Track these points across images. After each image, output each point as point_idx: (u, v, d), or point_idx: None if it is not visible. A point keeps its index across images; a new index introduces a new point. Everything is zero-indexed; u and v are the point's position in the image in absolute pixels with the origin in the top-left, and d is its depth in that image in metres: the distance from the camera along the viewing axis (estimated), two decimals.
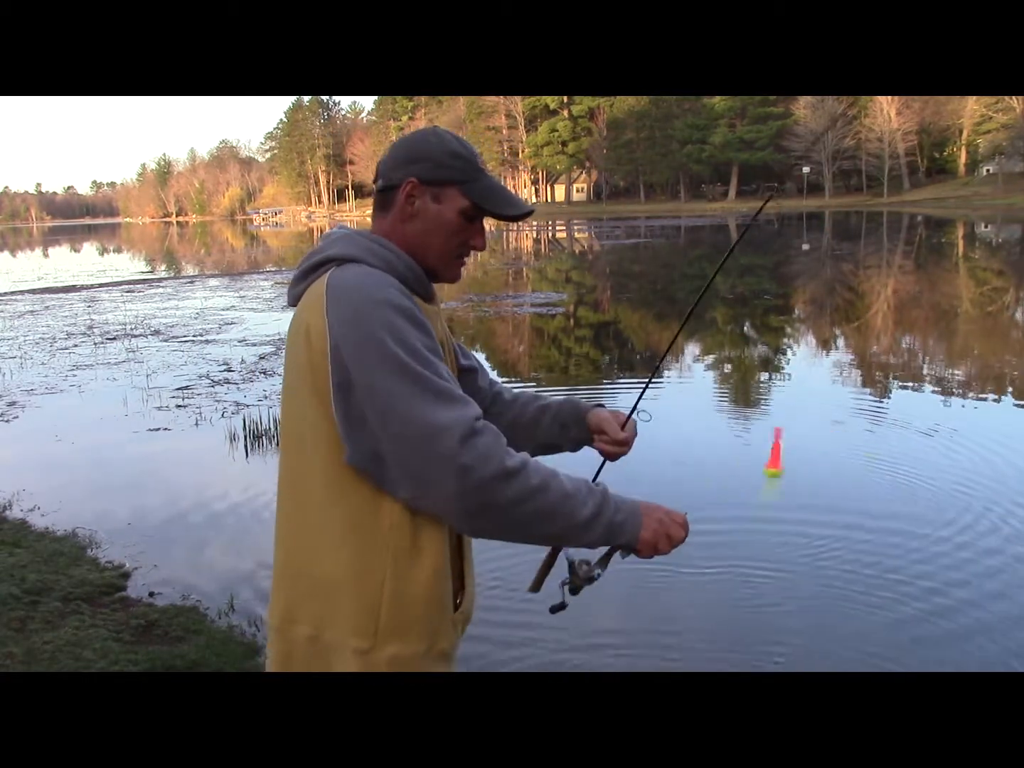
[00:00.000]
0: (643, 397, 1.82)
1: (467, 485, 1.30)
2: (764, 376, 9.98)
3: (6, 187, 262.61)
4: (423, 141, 1.56)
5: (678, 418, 7.58)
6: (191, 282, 24.62)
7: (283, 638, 1.50)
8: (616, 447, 1.74)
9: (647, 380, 2.03)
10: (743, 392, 9.27)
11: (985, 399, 8.18)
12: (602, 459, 1.78)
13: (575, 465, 1.64)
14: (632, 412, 1.79)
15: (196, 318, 15.36)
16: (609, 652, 3.84)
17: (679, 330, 2.19)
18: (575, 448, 1.82)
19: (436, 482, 1.32)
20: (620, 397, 8.87)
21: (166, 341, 12.69)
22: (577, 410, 1.79)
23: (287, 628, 1.49)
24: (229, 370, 10.39)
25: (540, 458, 1.48)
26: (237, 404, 8.51)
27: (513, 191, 1.61)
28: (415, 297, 1.50)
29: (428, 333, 1.41)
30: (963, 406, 7.89)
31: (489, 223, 1.64)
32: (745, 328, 13.79)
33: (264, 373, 10.08)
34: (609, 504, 1.41)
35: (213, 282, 24.04)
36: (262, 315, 15.55)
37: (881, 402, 8.27)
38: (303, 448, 1.47)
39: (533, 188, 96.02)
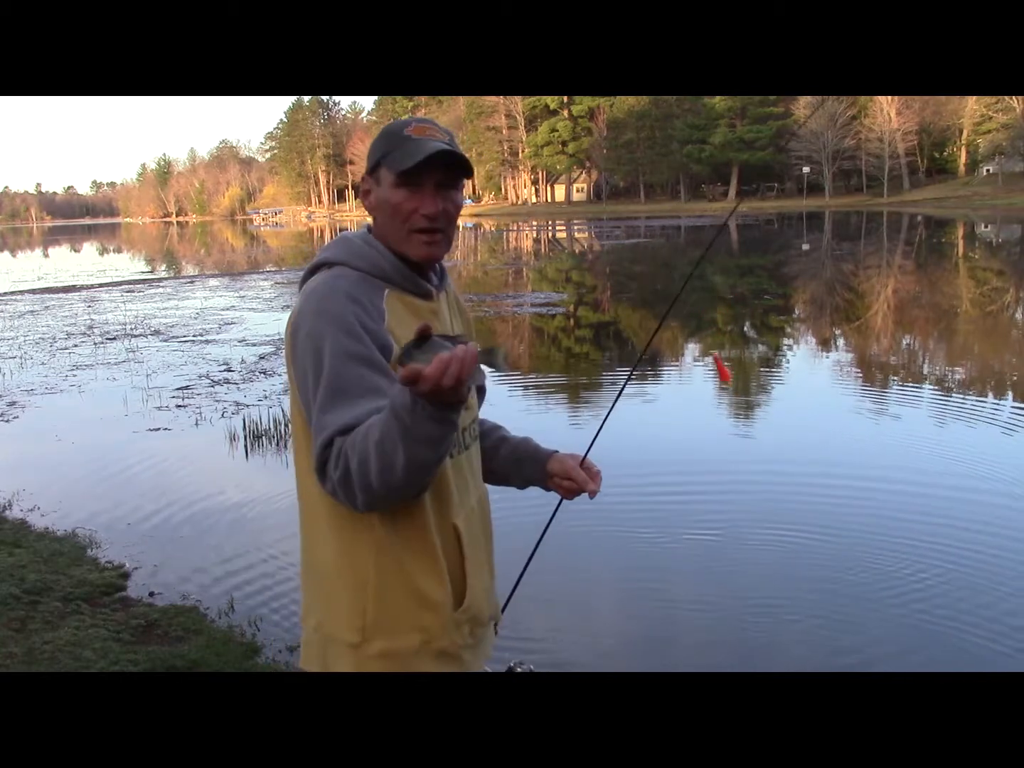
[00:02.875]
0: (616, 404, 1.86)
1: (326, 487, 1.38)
2: (764, 375, 9.98)
3: (6, 187, 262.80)
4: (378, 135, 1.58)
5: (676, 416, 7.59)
6: (191, 282, 24.62)
7: (304, 628, 1.57)
8: (578, 489, 1.75)
9: (619, 391, 2.05)
10: (742, 391, 9.27)
11: (984, 399, 8.18)
12: (559, 499, 1.81)
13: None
14: (588, 451, 1.80)
15: (196, 318, 15.35)
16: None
17: (653, 334, 2.20)
18: (523, 486, 1.84)
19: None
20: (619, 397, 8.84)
21: (166, 341, 12.69)
22: (537, 451, 1.81)
23: (305, 618, 1.56)
24: (229, 370, 10.39)
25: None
26: (237, 404, 8.51)
27: (434, 136, 1.50)
28: (404, 295, 1.52)
29: (360, 340, 1.40)
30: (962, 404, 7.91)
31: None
32: (745, 328, 13.79)
33: (264, 373, 10.08)
34: (399, 406, 1.28)
35: (213, 282, 24.04)
36: (262, 315, 15.55)
37: (879, 401, 8.28)
38: (296, 441, 1.53)
39: (533, 188, 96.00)
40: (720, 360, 2.01)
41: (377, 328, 1.43)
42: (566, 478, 1.75)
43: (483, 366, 1.63)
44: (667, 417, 7.82)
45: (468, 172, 1.54)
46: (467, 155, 1.54)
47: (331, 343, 1.39)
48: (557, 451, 1.80)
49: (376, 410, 1.34)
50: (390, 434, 1.27)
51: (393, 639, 1.47)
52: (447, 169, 1.51)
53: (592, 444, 1.80)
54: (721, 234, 2.30)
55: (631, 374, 2.04)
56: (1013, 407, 7.74)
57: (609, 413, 1.91)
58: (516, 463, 1.81)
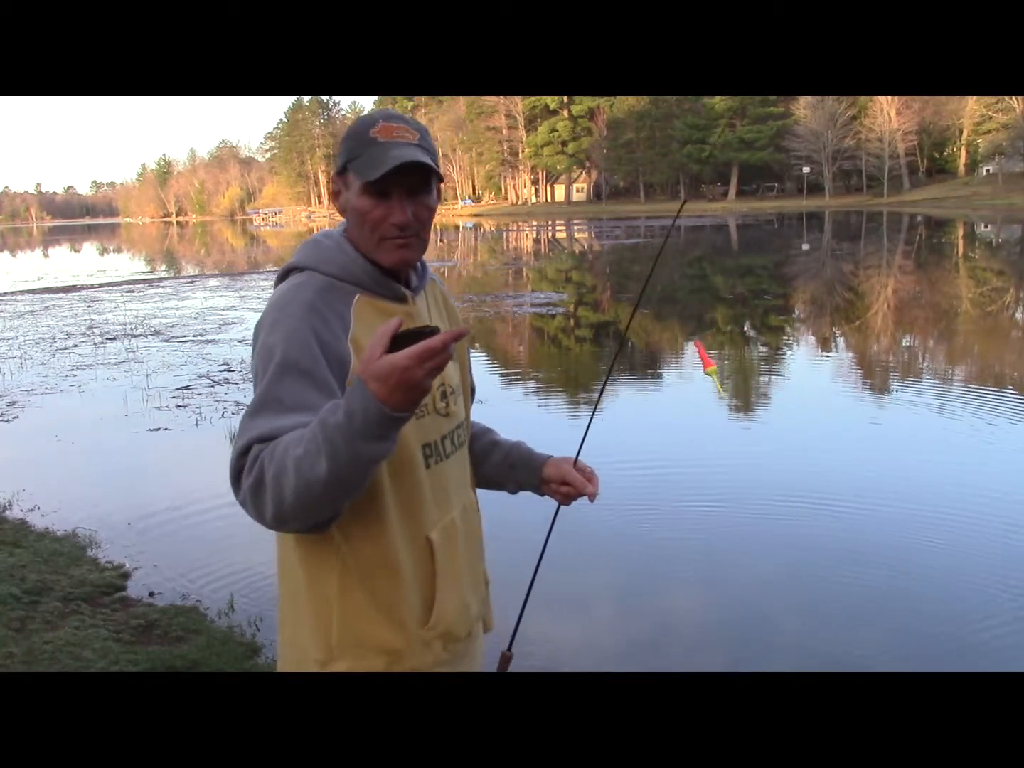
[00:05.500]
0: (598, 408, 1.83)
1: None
2: (763, 375, 9.98)
3: (6, 187, 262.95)
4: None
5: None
6: (191, 282, 24.61)
7: (279, 639, 1.54)
8: (577, 494, 1.70)
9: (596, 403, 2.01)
10: (742, 391, 9.27)
11: (983, 396, 8.19)
12: (557, 505, 1.74)
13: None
14: (579, 452, 1.74)
15: (196, 318, 15.34)
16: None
17: (630, 319, 2.20)
18: (515, 490, 1.79)
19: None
20: (619, 396, 8.87)
21: (166, 341, 12.69)
22: (530, 456, 1.76)
23: (280, 629, 1.53)
24: (229, 370, 10.38)
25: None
26: (237, 404, 8.51)
27: (403, 137, 1.44)
28: (377, 299, 1.46)
29: (308, 354, 1.35)
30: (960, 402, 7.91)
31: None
32: (745, 328, 13.79)
33: None
34: (331, 424, 1.22)
35: (213, 282, 24.03)
36: None
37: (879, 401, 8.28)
38: None
39: (533, 188, 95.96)
40: (702, 348, 1.96)
41: (334, 341, 1.38)
42: (563, 483, 1.70)
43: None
44: (666, 417, 7.82)
45: (438, 175, 1.48)
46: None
47: (280, 354, 1.35)
48: (551, 456, 1.75)
49: (303, 425, 1.27)
50: (313, 451, 1.21)
51: (357, 660, 1.43)
52: (417, 175, 1.44)
53: (582, 445, 1.75)
54: (669, 234, 2.29)
55: (611, 366, 2.04)
56: (1014, 400, 7.75)
57: (594, 412, 1.86)
58: (509, 468, 1.76)
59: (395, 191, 1.43)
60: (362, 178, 1.42)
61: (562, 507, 1.74)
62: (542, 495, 1.76)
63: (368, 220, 1.44)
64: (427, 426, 1.48)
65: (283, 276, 1.51)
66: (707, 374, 1.88)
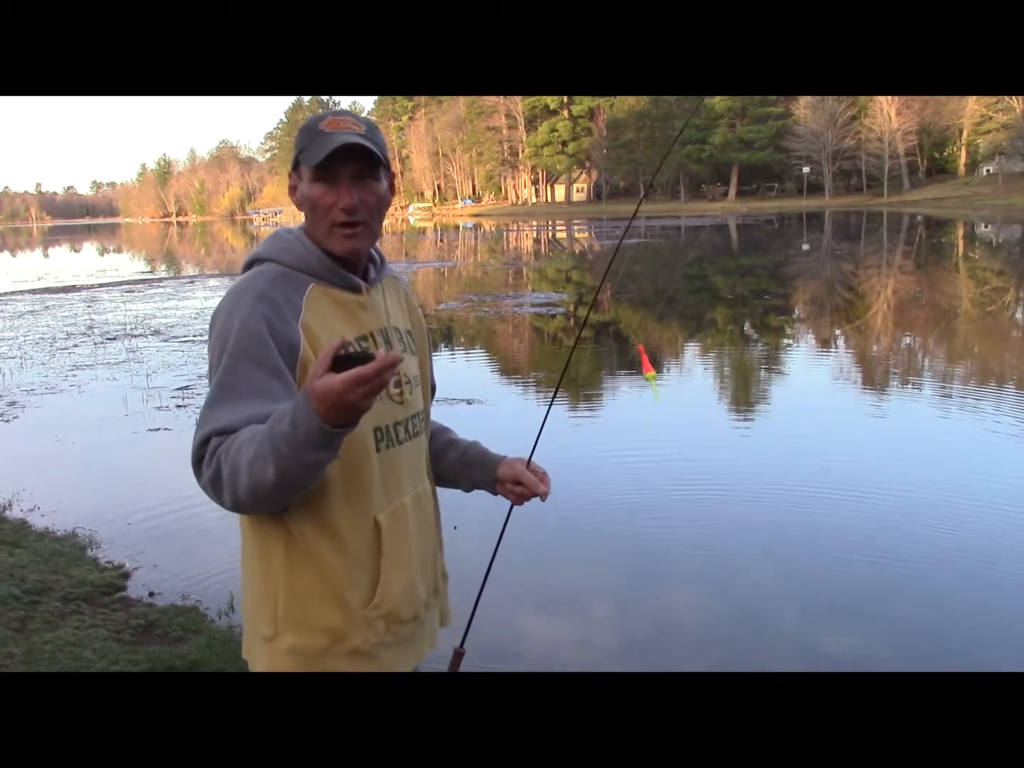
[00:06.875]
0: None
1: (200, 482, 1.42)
2: (760, 375, 9.98)
3: (6, 187, 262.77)
4: None
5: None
6: (191, 282, 24.61)
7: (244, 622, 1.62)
8: (527, 493, 1.75)
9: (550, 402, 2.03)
10: (741, 390, 9.26)
11: (983, 396, 8.19)
12: (510, 505, 1.80)
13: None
14: (532, 454, 1.80)
15: (196, 318, 15.35)
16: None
17: (590, 306, 2.21)
18: (470, 489, 1.84)
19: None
20: (619, 395, 8.87)
21: (166, 341, 12.69)
22: (485, 456, 1.81)
23: (243, 612, 1.61)
24: None
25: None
26: None
27: (349, 128, 1.50)
28: (332, 289, 1.53)
29: (259, 341, 1.42)
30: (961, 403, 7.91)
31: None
32: (745, 328, 13.79)
33: None
34: (278, 433, 1.30)
35: (213, 282, 24.02)
36: None
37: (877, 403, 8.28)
38: None
39: (533, 188, 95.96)
40: (644, 352, 1.98)
41: (284, 326, 1.45)
42: (516, 483, 1.75)
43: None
44: (665, 416, 7.82)
45: (382, 162, 1.53)
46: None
47: (233, 341, 1.42)
48: (505, 456, 1.80)
49: (258, 417, 1.36)
50: (263, 454, 1.30)
51: (301, 636, 1.49)
52: (362, 160, 1.49)
53: (535, 447, 1.80)
54: (624, 234, 2.33)
55: (564, 370, 2.06)
56: (1016, 398, 7.75)
57: (548, 411, 1.90)
58: (464, 467, 1.81)
59: (343, 176, 1.49)
60: (310, 163, 1.49)
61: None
62: (495, 494, 1.81)
63: (319, 207, 1.51)
64: (379, 411, 1.53)
65: (247, 267, 1.58)
66: (647, 378, 1.92)
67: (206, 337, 1.55)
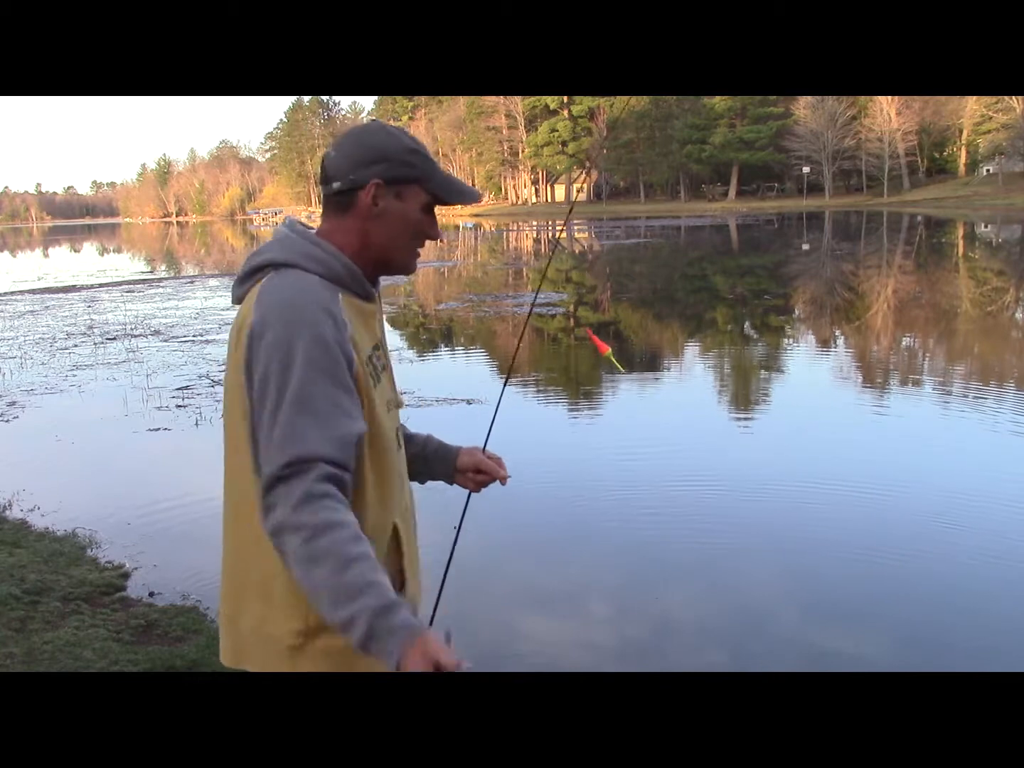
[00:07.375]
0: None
1: (266, 516, 1.37)
2: (760, 375, 9.98)
3: (6, 187, 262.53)
4: (379, 140, 1.53)
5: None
6: (191, 282, 24.61)
7: (232, 632, 1.54)
8: (487, 479, 1.80)
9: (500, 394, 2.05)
10: (741, 391, 9.27)
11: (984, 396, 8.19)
12: (468, 493, 1.84)
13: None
14: (486, 442, 1.85)
15: (196, 318, 15.34)
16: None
17: (520, 337, 2.22)
18: (425, 481, 1.86)
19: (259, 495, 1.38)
20: (618, 395, 8.87)
21: (166, 341, 12.68)
22: (442, 448, 1.83)
23: (236, 621, 1.53)
24: None
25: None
26: None
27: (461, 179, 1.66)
28: (353, 298, 1.52)
29: (329, 355, 1.41)
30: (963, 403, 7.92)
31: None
32: (745, 327, 13.79)
33: None
34: (368, 626, 1.31)
35: (213, 282, 24.02)
36: None
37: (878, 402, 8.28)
38: (237, 446, 1.48)
39: (533, 188, 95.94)
40: (593, 335, 2.10)
41: (344, 341, 1.44)
42: (477, 471, 1.79)
43: None
44: (667, 416, 7.83)
45: None
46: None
47: (303, 355, 1.38)
48: (462, 447, 1.84)
49: (341, 438, 1.37)
50: (337, 594, 1.31)
51: (333, 636, 1.43)
52: None
53: (489, 434, 1.86)
54: (562, 232, 2.41)
55: (510, 368, 2.11)
56: (1015, 402, 7.76)
57: (500, 401, 1.94)
58: (423, 461, 1.82)
59: (434, 211, 1.60)
60: (442, 199, 1.57)
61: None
62: (452, 484, 1.84)
63: (422, 234, 1.59)
64: (393, 415, 1.60)
65: (253, 272, 1.52)
66: (605, 357, 2.02)
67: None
